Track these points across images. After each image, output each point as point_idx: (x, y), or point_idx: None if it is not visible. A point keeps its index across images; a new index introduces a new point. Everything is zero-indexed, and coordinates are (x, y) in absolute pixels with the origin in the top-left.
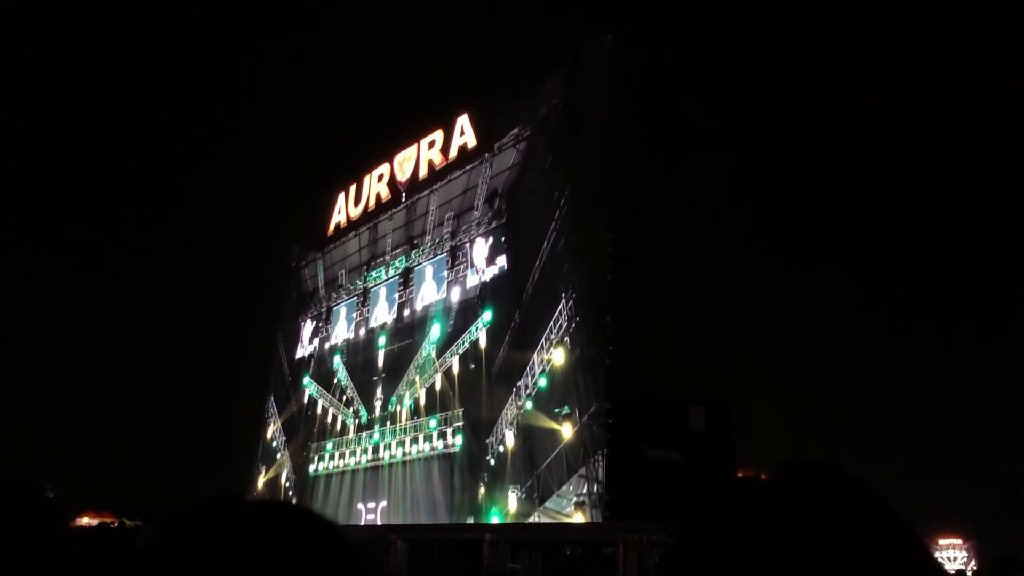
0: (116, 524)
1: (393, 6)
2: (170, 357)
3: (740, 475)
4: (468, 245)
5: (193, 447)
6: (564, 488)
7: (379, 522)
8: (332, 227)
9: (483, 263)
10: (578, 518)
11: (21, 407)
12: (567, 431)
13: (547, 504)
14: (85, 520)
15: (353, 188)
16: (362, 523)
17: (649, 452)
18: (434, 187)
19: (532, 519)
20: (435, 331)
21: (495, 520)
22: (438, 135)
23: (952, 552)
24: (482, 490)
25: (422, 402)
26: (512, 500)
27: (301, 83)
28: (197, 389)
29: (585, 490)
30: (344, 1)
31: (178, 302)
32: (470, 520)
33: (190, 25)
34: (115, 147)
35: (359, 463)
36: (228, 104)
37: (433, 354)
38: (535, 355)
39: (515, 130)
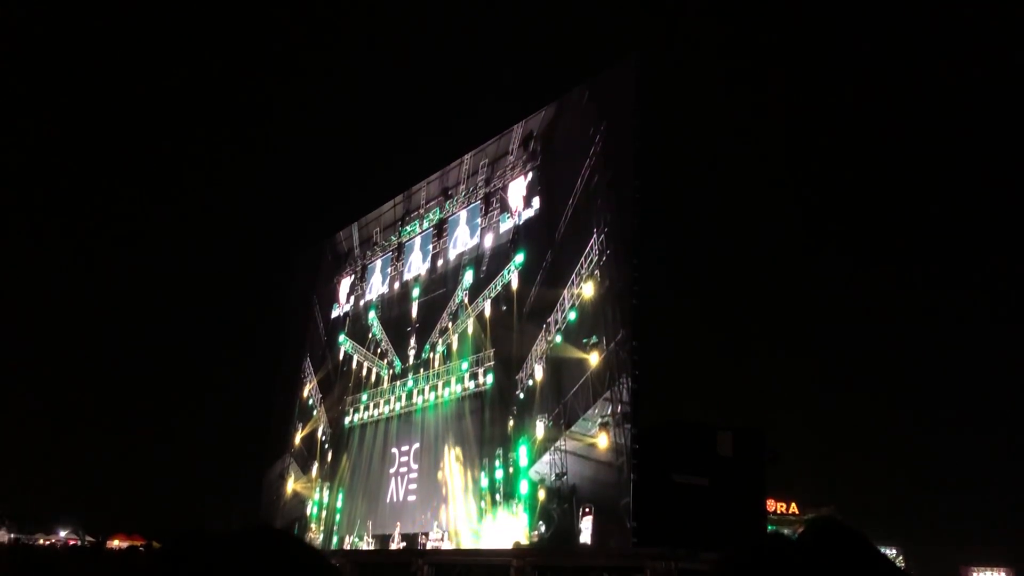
0: (144, 547)
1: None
2: (203, 342)
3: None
4: (502, 190)
5: (228, 436)
6: (589, 412)
7: (412, 464)
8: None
9: (518, 204)
10: (602, 438)
11: (42, 420)
12: (594, 359)
13: (573, 428)
14: (116, 543)
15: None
16: (392, 469)
17: (677, 478)
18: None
19: (558, 443)
20: (468, 278)
21: (523, 449)
22: None
23: (990, 573)
24: (511, 422)
25: (454, 347)
26: (539, 428)
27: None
28: (234, 375)
29: (609, 411)
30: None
31: (212, 281)
32: (499, 451)
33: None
34: (152, 120)
35: (393, 411)
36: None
37: (466, 300)
38: (566, 291)
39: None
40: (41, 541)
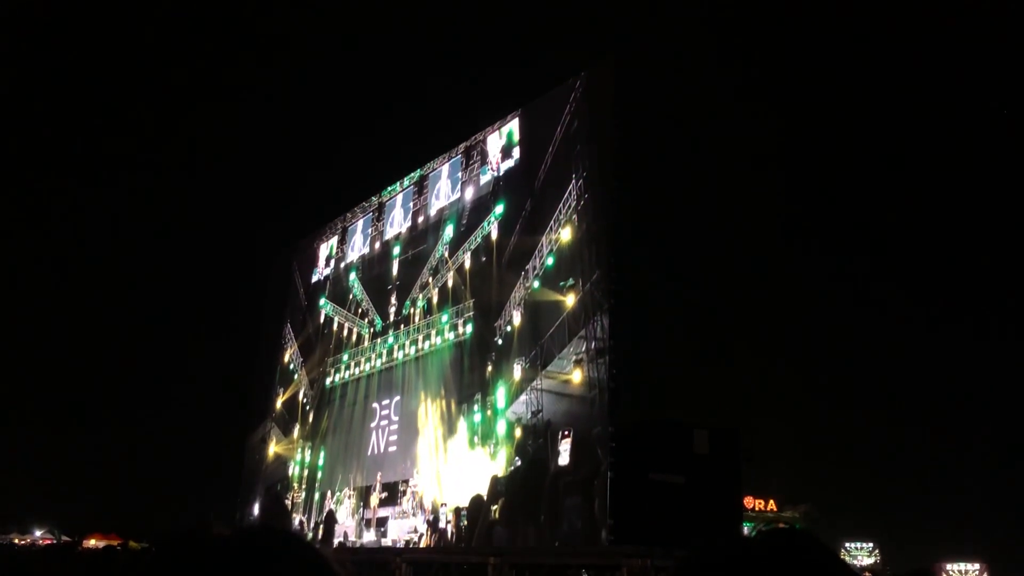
0: (121, 547)
1: None
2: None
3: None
4: (483, 142)
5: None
6: (565, 351)
7: (393, 416)
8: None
9: (498, 156)
10: (576, 374)
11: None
12: (570, 300)
13: (549, 368)
14: (92, 543)
15: None
16: (374, 423)
17: (653, 476)
18: None
19: (535, 383)
20: (448, 232)
21: (501, 392)
22: None
23: (963, 565)
24: (489, 368)
25: (434, 301)
26: (517, 371)
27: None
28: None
29: (584, 348)
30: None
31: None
32: (478, 396)
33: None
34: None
35: (374, 367)
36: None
37: (446, 254)
38: (544, 237)
39: None
40: (16, 540)
